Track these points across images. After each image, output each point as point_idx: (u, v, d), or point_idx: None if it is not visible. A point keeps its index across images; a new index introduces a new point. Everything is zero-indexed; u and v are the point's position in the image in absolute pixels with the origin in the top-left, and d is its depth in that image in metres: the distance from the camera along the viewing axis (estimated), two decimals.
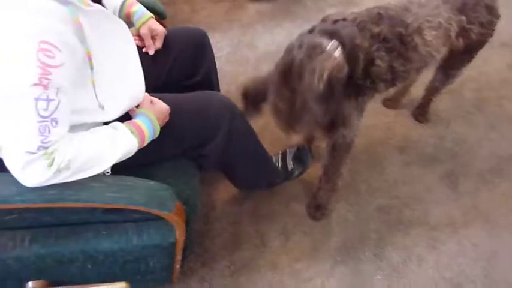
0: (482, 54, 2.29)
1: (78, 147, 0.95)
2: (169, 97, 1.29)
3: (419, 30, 1.33)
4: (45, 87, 0.86)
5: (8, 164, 0.90)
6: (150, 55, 1.39)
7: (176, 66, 1.43)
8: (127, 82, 1.13)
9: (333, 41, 1.15)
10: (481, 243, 1.62)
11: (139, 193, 1.01)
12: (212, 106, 1.30)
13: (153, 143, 1.14)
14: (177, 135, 1.23)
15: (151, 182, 1.06)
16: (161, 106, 1.19)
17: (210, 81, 1.55)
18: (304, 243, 1.61)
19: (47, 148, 0.88)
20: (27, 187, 0.91)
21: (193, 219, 1.27)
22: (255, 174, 1.51)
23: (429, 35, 1.36)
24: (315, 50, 1.10)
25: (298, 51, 1.11)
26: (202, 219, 1.65)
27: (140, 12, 1.38)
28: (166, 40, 1.40)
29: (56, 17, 0.88)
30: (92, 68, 0.99)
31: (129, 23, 1.41)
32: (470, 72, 2.22)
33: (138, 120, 1.12)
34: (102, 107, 1.06)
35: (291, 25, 2.43)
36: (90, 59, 0.98)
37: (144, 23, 1.37)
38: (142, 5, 1.45)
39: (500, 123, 2.03)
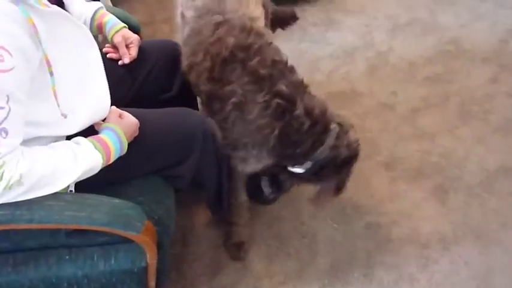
0: (463, 69, 2.31)
1: (32, 161, 0.86)
2: (140, 112, 1.22)
3: None
4: None
5: None
6: (123, 66, 1.32)
7: (150, 79, 1.37)
8: (90, 91, 1.06)
9: None
10: (474, 260, 1.55)
11: (103, 212, 0.93)
12: (185, 124, 1.24)
13: (120, 159, 1.06)
14: (146, 152, 1.16)
15: (117, 200, 0.97)
16: (130, 120, 1.11)
17: (186, 97, 1.48)
18: (289, 265, 1.51)
19: None
20: None
21: (167, 241, 1.18)
22: (223, 196, 1.42)
23: None
24: None
25: None
26: (180, 243, 1.55)
27: (112, 22, 1.33)
28: (140, 52, 1.35)
29: (7, 17, 0.82)
30: (51, 75, 0.92)
31: (102, 34, 1.36)
32: (453, 86, 2.22)
33: (103, 135, 1.04)
34: (64, 115, 0.98)
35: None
36: (48, 64, 0.90)
37: (117, 32, 1.32)
38: None
39: (486, 137, 1.99)
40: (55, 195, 0.89)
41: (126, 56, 1.32)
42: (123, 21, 1.41)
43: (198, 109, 1.53)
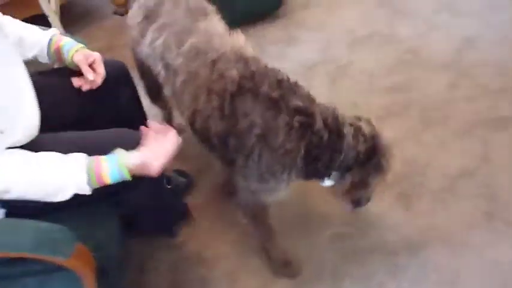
0: (422, 77, 2.33)
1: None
2: (79, 135, 1.17)
3: None
4: None
5: None
6: (70, 86, 1.27)
7: (94, 98, 1.32)
8: (21, 109, 1.01)
9: None
10: (442, 264, 1.51)
11: (28, 237, 0.86)
12: (125, 145, 1.18)
13: None
14: None
15: (43, 224, 0.90)
16: (165, 145, 1.09)
17: (132, 117, 1.44)
18: (252, 284, 1.45)
19: None
20: None
21: (113, 267, 1.11)
22: (164, 218, 1.36)
23: None
24: None
25: None
26: (137, 269, 1.47)
27: (70, 44, 1.30)
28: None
29: None
30: None
31: (60, 61, 1.32)
32: (414, 94, 2.23)
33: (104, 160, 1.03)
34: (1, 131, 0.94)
35: None
36: None
37: (76, 51, 1.28)
38: None
39: (448, 141, 2.00)
40: None
41: (89, 73, 1.28)
42: None
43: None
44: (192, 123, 1.28)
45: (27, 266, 0.96)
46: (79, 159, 1.01)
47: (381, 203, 1.72)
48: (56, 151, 1.02)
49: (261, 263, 1.50)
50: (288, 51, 2.48)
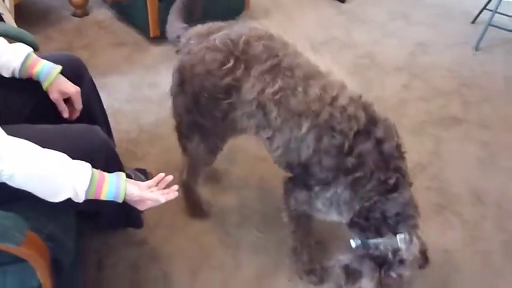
0: (378, 79, 2.43)
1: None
2: (39, 129, 1.15)
3: None
4: None
5: None
6: (21, 81, 1.24)
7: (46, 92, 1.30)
8: None
9: None
10: None
11: None
12: (86, 141, 1.17)
13: None
14: None
15: None
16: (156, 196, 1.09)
17: (91, 114, 1.42)
18: (214, 279, 1.45)
19: None
20: None
21: (67, 260, 1.08)
22: (121, 212, 1.35)
23: None
24: None
25: None
26: (94, 267, 1.44)
27: (45, 72, 1.22)
28: None
29: None
30: None
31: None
32: (370, 95, 2.31)
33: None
34: None
35: None
36: None
37: (51, 84, 1.22)
38: (8, 37, 1.32)
39: (403, 138, 2.08)
40: None
41: (65, 112, 1.26)
42: (18, 38, 1.34)
43: (103, 124, 1.47)
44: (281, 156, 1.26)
45: None
46: (86, 166, 1.01)
47: None
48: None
49: (222, 258, 1.50)
50: None
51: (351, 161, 1.15)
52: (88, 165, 1.01)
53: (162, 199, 1.08)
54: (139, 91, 2.20)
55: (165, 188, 1.13)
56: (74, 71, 1.36)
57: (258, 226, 1.62)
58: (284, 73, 1.21)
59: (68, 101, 1.29)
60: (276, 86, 1.20)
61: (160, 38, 2.50)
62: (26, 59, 1.20)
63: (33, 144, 0.97)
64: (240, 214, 1.65)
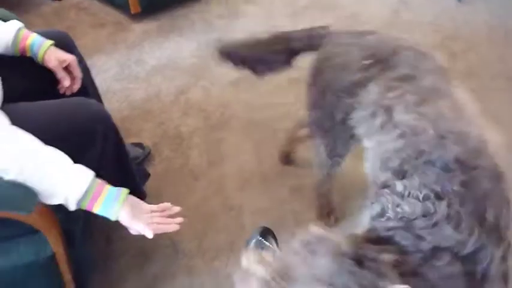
0: None
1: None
2: (33, 105, 1.15)
3: None
4: None
5: None
6: (10, 60, 1.23)
7: (41, 70, 1.29)
8: None
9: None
10: None
11: None
12: (83, 115, 1.17)
13: None
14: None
15: (1, 180, 0.88)
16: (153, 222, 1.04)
17: (85, 88, 1.42)
18: (219, 240, 1.49)
19: None
20: None
21: (79, 230, 1.11)
22: (130, 179, 1.36)
23: None
24: None
25: None
26: (103, 241, 1.47)
27: (38, 43, 1.21)
28: None
29: None
30: None
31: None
32: None
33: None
34: None
35: (179, 39, 2.39)
36: None
37: (45, 53, 1.20)
38: None
39: None
40: None
41: (66, 80, 1.23)
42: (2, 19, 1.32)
43: (97, 99, 1.47)
44: None
45: None
46: (87, 176, 0.97)
47: None
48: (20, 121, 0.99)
49: (226, 221, 1.54)
50: (234, 24, 2.50)
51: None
52: (89, 176, 0.97)
53: (149, 235, 1.02)
54: (127, 69, 2.19)
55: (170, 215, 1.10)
56: (64, 46, 1.35)
57: (259, 188, 1.65)
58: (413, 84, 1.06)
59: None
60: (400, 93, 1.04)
61: (141, 14, 2.48)
62: (18, 32, 1.20)
63: (36, 141, 0.94)
64: (240, 178, 1.68)
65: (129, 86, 2.10)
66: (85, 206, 0.97)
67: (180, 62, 2.23)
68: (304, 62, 2.21)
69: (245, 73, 1.51)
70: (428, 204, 0.86)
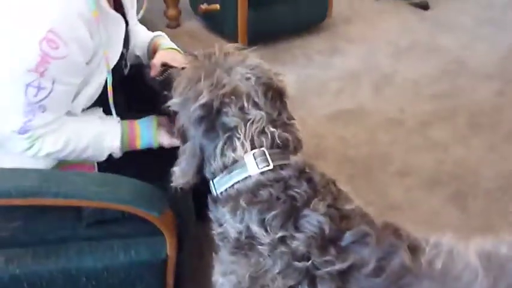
0: (469, 85, 2.35)
1: (62, 146, 0.95)
2: None
3: None
4: (41, 74, 0.85)
5: None
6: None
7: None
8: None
9: None
10: None
11: (126, 190, 0.93)
12: None
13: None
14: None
15: (137, 181, 0.97)
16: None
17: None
18: None
19: (28, 131, 0.88)
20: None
21: (187, 244, 1.16)
22: None
23: None
24: None
25: None
26: (196, 254, 1.52)
27: (165, 44, 1.28)
28: None
29: (74, 9, 0.86)
30: (108, 72, 0.98)
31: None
32: (461, 101, 2.25)
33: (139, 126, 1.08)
34: None
35: (281, 70, 2.48)
36: (107, 60, 0.96)
37: (164, 50, 1.23)
38: None
39: (498, 145, 2.00)
40: (79, 172, 0.91)
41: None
42: None
43: None
44: None
45: (114, 229, 1.03)
46: (115, 127, 1.05)
47: (435, 201, 1.73)
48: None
49: None
50: (333, 61, 2.55)
51: None
52: (115, 121, 1.05)
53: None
54: None
55: None
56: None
57: None
58: None
59: None
60: None
61: (247, 45, 2.61)
62: (156, 36, 1.29)
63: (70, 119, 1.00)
64: None
65: None
66: (128, 147, 1.05)
67: None
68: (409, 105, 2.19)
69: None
70: None
